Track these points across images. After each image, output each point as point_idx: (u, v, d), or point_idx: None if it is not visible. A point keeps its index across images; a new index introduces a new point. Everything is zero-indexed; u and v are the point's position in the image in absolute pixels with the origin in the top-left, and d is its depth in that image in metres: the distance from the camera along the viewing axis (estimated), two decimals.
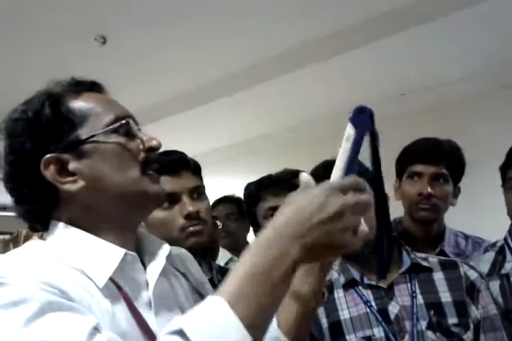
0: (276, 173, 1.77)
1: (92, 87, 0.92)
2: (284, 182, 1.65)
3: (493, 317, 1.30)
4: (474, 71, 3.34)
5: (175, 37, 2.94)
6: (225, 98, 3.67)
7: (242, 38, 2.98)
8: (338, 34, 2.97)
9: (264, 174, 1.80)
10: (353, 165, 0.71)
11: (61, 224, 0.86)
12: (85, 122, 0.86)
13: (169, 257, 0.92)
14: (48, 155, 0.83)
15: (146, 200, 0.89)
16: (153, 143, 0.89)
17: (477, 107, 3.38)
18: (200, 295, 0.95)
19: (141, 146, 0.88)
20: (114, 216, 0.87)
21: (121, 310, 0.78)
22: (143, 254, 0.90)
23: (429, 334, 1.23)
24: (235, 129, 4.38)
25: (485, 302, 1.31)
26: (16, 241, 5.39)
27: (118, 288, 0.80)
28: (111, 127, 0.86)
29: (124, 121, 0.87)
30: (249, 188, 1.77)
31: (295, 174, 1.71)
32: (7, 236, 5.32)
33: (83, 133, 0.85)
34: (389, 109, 3.65)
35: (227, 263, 2.36)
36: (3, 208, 5.18)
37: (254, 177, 1.81)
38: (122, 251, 0.83)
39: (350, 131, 0.71)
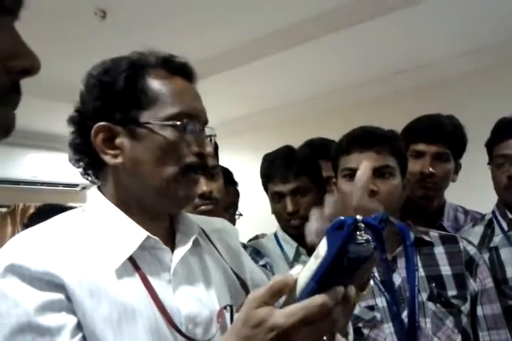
0: (286, 153, 1.68)
1: (184, 72, 0.90)
2: (290, 169, 1.61)
3: (490, 290, 1.36)
4: (471, 49, 3.33)
5: (175, 12, 2.88)
6: (223, 73, 3.65)
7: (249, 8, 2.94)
8: (333, 12, 2.93)
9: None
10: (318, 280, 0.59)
11: (99, 194, 0.89)
12: (151, 106, 0.85)
13: (203, 234, 0.96)
14: (104, 123, 0.84)
15: (172, 201, 0.88)
16: (206, 150, 0.87)
17: (473, 85, 3.38)
18: (233, 271, 0.97)
19: (193, 149, 0.87)
20: (143, 203, 0.88)
21: (138, 288, 0.80)
22: (176, 232, 0.92)
23: (430, 305, 1.28)
24: (239, 103, 4.34)
25: (483, 276, 1.36)
26: (13, 214, 5.41)
27: (136, 268, 0.82)
28: (169, 122, 0.84)
29: (182, 121, 0.84)
30: (264, 165, 1.74)
31: (292, 153, 1.67)
32: (4, 209, 5.33)
33: (143, 115, 0.84)
34: (387, 87, 3.68)
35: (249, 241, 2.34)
36: (1, 181, 5.17)
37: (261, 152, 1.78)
38: (144, 234, 0.84)
39: (321, 249, 0.58)
